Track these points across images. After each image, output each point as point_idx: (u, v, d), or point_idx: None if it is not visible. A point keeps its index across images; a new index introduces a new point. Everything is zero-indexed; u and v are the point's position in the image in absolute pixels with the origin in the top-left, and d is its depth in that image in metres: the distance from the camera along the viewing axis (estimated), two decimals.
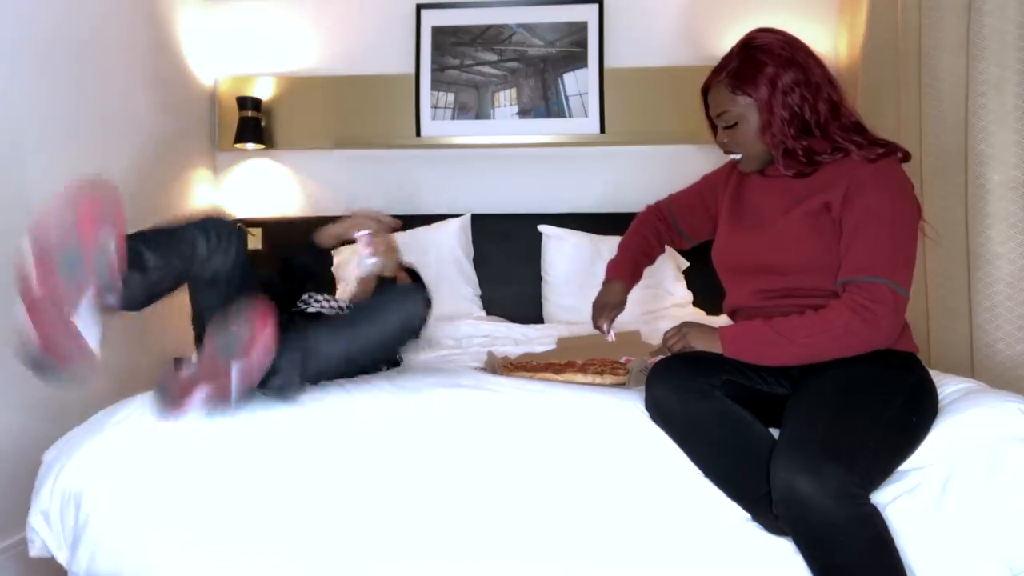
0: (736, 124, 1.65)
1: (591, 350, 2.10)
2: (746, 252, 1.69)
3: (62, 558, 1.62)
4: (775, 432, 1.50)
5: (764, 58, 1.61)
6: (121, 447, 1.61)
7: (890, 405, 1.47)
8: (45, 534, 1.62)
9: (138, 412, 1.67)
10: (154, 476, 1.58)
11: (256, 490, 1.57)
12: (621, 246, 2.02)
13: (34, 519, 1.62)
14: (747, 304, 1.70)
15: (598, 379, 1.79)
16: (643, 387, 1.63)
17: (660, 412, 1.54)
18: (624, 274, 1.96)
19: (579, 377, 1.81)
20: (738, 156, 1.72)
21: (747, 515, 1.51)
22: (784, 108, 1.59)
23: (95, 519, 1.57)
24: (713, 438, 1.49)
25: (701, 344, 1.60)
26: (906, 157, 1.61)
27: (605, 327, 1.90)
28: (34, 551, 1.65)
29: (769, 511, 1.44)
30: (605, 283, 1.96)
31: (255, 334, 1.40)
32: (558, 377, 1.81)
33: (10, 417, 2.15)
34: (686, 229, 1.98)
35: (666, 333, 1.68)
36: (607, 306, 1.91)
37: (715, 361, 1.56)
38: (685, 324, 1.66)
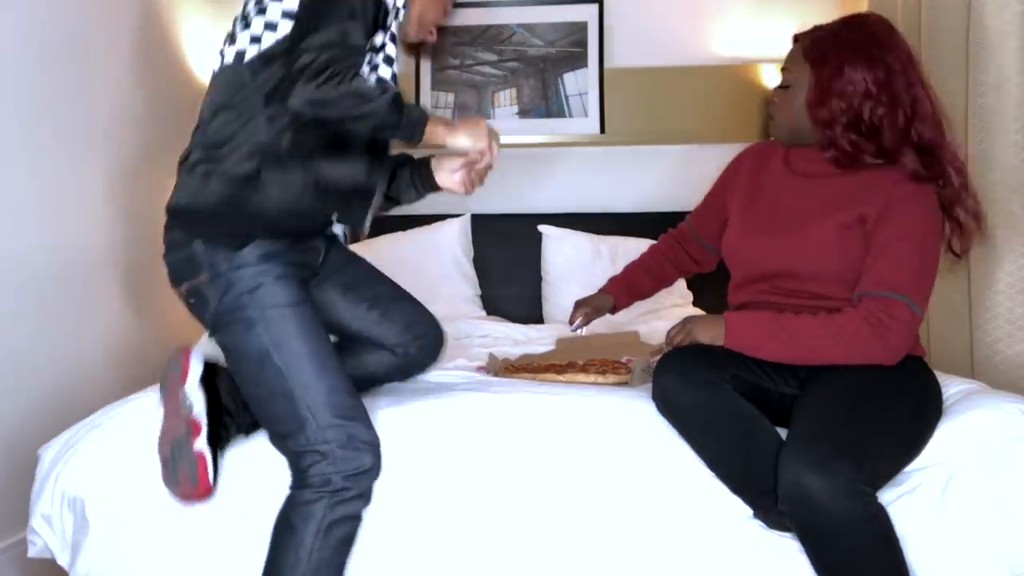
0: (789, 87, 1.61)
1: (590, 350, 2.10)
2: (766, 255, 1.64)
3: (63, 561, 1.62)
4: (780, 432, 1.50)
5: (849, 41, 1.55)
6: (121, 448, 1.61)
7: (899, 406, 1.47)
8: (48, 536, 1.62)
9: (138, 411, 1.67)
10: (154, 478, 1.58)
11: (255, 493, 1.57)
12: (627, 265, 2.01)
13: (36, 522, 1.62)
14: (757, 299, 1.67)
15: (600, 379, 1.79)
16: (646, 386, 1.62)
17: (667, 403, 1.53)
18: (616, 289, 1.95)
19: (581, 377, 1.81)
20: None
21: (749, 512, 1.51)
22: (841, 96, 1.53)
23: (95, 521, 1.57)
24: (719, 431, 1.49)
25: (705, 336, 1.57)
26: (950, 188, 1.54)
27: (577, 320, 1.87)
28: (34, 551, 1.65)
29: (772, 506, 1.44)
30: (598, 292, 1.96)
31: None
32: (560, 377, 1.81)
33: (10, 419, 2.14)
34: (710, 240, 1.89)
35: (670, 330, 1.65)
36: (586, 304, 1.90)
37: (724, 355, 1.54)
38: (689, 318, 1.64)
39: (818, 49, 1.57)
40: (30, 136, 2.23)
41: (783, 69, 1.64)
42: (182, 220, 1.50)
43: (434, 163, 1.70)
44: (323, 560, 1.41)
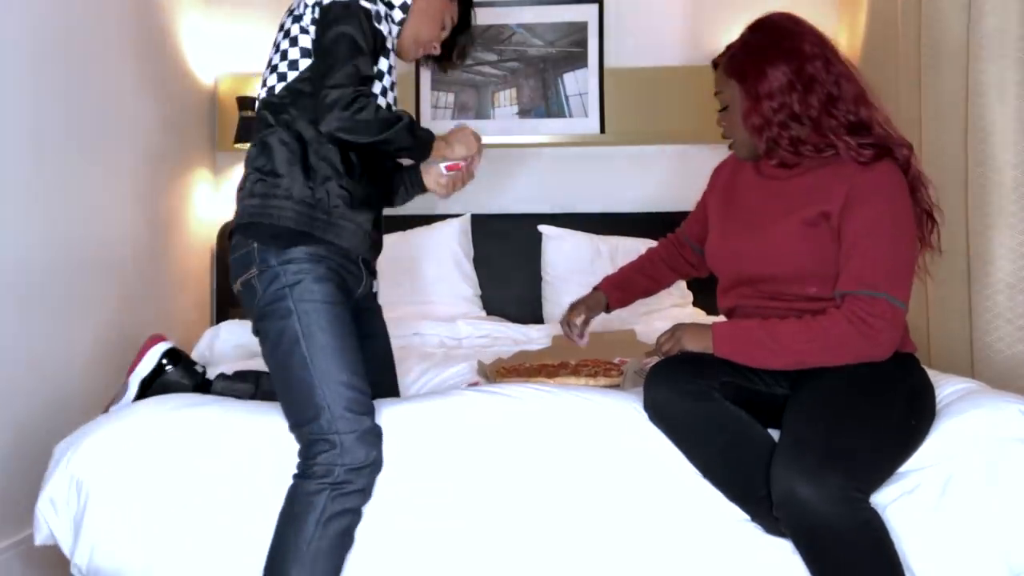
0: (727, 107, 1.64)
1: (586, 350, 2.10)
2: (741, 259, 1.66)
3: (66, 547, 1.63)
4: (774, 433, 1.50)
5: (761, 45, 1.59)
6: (131, 440, 1.62)
7: (890, 408, 1.47)
8: (52, 521, 1.63)
9: (149, 407, 1.69)
10: (161, 470, 1.59)
11: (258, 487, 1.57)
12: (622, 266, 2.02)
13: (42, 504, 1.63)
14: (742, 303, 1.69)
15: (591, 381, 1.79)
16: (638, 388, 1.62)
17: (659, 413, 1.53)
18: (608, 286, 1.96)
19: (572, 380, 1.80)
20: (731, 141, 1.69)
21: (746, 516, 1.51)
22: (771, 97, 1.55)
23: (100, 510, 1.58)
24: (712, 439, 1.49)
25: (694, 345, 1.59)
26: (905, 160, 1.57)
27: (576, 324, 1.87)
28: (40, 539, 1.66)
29: (768, 512, 1.44)
30: (591, 291, 1.97)
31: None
32: (551, 381, 1.80)
33: (18, 416, 2.15)
34: (701, 245, 1.89)
35: (659, 337, 1.66)
36: (581, 304, 1.90)
37: (714, 362, 1.55)
38: (678, 326, 1.64)
39: (735, 63, 1.61)
40: (32, 138, 2.24)
41: (716, 93, 1.67)
42: (244, 230, 1.65)
43: (422, 167, 1.85)
44: (321, 550, 1.47)
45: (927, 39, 2.32)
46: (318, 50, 1.60)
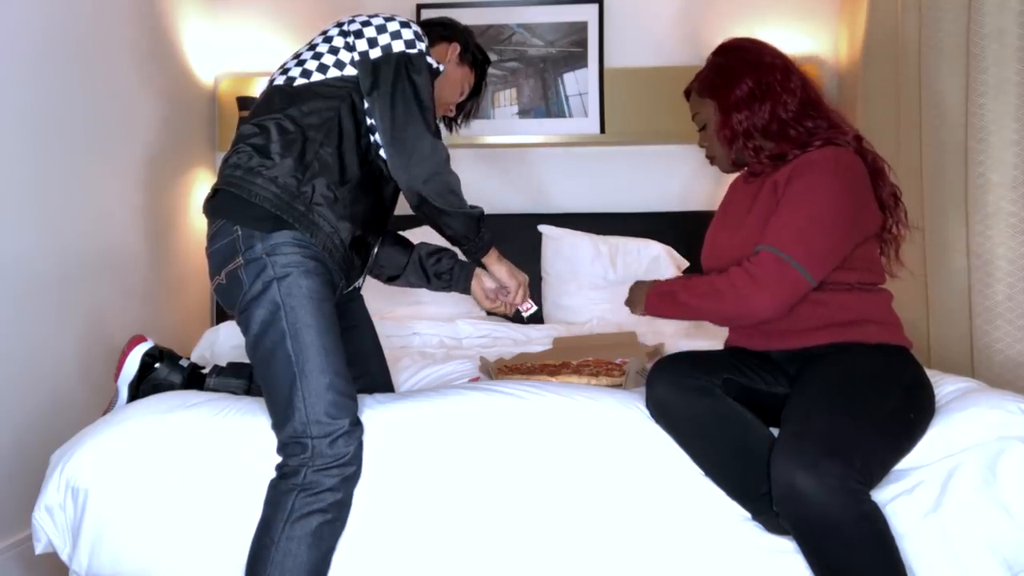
0: (705, 127, 1.75)
1: (587, 350, 2.10)
2: (720, 251, 1.72)
3: (64, 554, 1.63)
4: (775, 432, 1.50)
5: (726, 63, 1.69)
6: (126, 443, 1.62)
7: (888, 399, 1.48)
8: (49, 529, 1.63)
9: (143, 410, 1.68)
10: (157, 473, 1.59)
11: (253, 488, 1.57)
12: None
13: (39, 514, 1.63)
14: None
15: (593, 380, 1.79)
16: (641, 387, 1.62)
17: (661, 410, 1.54)
18: None
19: (574, 379, 1.80)
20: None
21: (747, 514, 1.51)
22: (738, 109, 1.65)
23: (97, 515, 1.58)
24: (713, 436, 1.50)
25: (638, 304, 1.71)
26: (848, 144, 1.61)
27: None
28: (39, 548, 1.66)
29: (769, 509, 1.45)
30: None
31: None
32: (553, 379, 1.80)
33: (16, 417, 2.15)
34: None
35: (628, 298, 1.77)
36: None
37: (715, 360, 1.57)
38: (635, 287, 1.76)
39: (706, 83, 1.73)
40: (32, 138, 2.24)
41: (693, 116, 1.78)
42: (226, 211, 1.60)
43: (478, 272, 1.91)
44: (290, 551, 1.46)
45: (927, 39, 2.32)
46: (396, 94, 1.61)
